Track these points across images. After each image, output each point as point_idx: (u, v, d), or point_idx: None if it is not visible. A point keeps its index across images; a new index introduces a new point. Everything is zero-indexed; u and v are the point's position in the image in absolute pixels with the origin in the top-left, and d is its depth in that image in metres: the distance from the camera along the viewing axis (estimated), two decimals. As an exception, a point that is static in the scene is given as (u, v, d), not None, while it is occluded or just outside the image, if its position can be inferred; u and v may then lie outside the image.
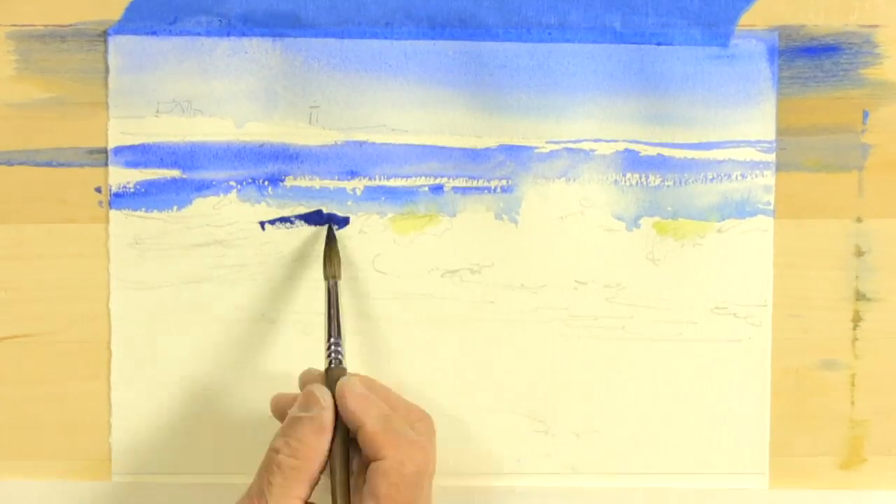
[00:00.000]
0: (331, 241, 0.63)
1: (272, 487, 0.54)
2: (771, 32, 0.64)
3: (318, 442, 0.54)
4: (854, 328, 0.65)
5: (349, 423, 0.55)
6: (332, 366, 0.59)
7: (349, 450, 0.56)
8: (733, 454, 0.65)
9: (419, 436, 0.56)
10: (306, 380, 0.60)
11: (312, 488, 0.54)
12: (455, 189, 0.64)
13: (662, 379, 0.65)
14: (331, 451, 0.55)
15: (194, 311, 0.65)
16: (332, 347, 0.59)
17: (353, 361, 0.65)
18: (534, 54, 0.64)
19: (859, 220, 0.65)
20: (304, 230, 0.65)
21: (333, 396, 0.56)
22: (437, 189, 0.64)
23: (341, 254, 0.63)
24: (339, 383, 0.57)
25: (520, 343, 0.65)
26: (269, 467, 0.54)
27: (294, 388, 0.61)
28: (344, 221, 0.65)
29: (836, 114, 0.64)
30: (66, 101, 0.64)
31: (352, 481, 0.55)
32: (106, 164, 0.64)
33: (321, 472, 0.55)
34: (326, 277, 0.62)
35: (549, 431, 0.65)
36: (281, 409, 0.59)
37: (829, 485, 0.65)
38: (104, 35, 0.64)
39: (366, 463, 0.55)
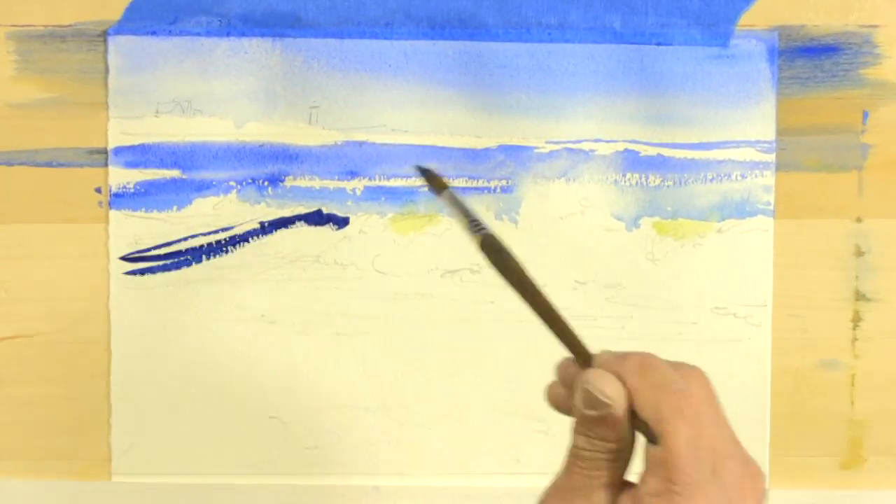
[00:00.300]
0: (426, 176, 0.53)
1: (585, 480, 0.48)
2: (771, 32, 0.64)
3: (620, 433, 0.48)
4: (854, 328, 0.65)
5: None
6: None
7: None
8: (733, 454, 0.65)
9: (686, 385, 0.49)
10: (563, 369, 0.52)
11: (628, 468, 0.49)
12: (455, 189, 0.64)
13: (662, 379, 0.65)
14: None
15: (194, 311, 0.65)
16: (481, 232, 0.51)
17: (353, 361, 0.65)
18: (533, 54, 0.64)
19: (859, 220, 0.65)
20: (304, 230, 0.65)
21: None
22: (437, 189, 0.64)
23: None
24: (595, 357, 0.50)
25: (519, 343, 0.65)
26: (581, 464, 0.49)
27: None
28: (344, 221, 0.65)
29: (836, 114, 0.64)
30: (66, 101, 0.64)
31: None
32: (106, 165, 0.64)
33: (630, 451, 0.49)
34: (439, 192, 0.53)
35: (549, 431, 0.65)
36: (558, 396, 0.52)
37: (829, 484, 0.65)
38: (104, 35, 0.64)
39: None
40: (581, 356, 0.50)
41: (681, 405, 0.47)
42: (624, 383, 0.48)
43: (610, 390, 0.48)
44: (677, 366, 0.50)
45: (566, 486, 0.50)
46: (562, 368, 0.51)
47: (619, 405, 0.48)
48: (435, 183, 0.52)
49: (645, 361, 0.49)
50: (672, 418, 0.47)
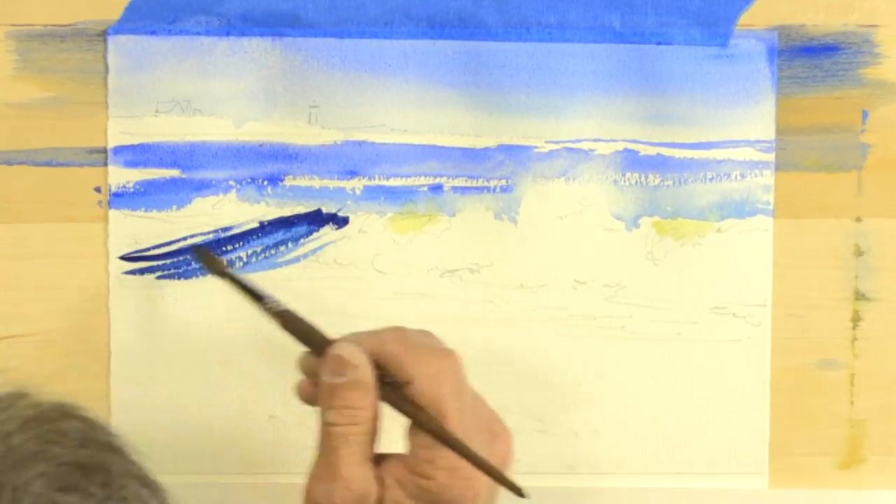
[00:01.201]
0: (202, 258, 0.61)
1: (342, 458, 0.51)
2: (770, 32, 0.64)
3: (367, 401, 0.52)
4: (853, 328, 0.65)
5: (372, 356, 0.52)
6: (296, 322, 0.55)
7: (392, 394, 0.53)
8: (733, 454, 0.65)
9: (442, 344, 0.54)
10: (305, 364, 0.55)
11: (376, 438, 0.53)
12: (454, 189, 0.64)
13: (662, 379, 0.65)
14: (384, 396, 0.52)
15: (194, 311, 0.65)
16: (270, 306, 0.55)
17: (352, 361, 0.65)
18: (533, 54, 0.64)
19: (859, 219, 0.65)
20: (304, 230, 0.65)
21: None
22: (437, 189, 0.64)
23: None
24: (343, 339, 0.53)
25: (519, 343, 0.65)
26: (331, 441, 0.51)
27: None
28: (343, 221, 0.65)
29: (836, 113, 0.64)
30: (65, 100, 0.64)
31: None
32: (105, 164, 0.64)
33: (379, 427, 0.53)
34: (221, 273, 0.57)
35: (548, 431, 0.65)
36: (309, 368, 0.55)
37: (828, 484, 0.65)
38: (104, 35, 0.64)
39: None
40: (321, 344, 0.53)
41: (443, 365, 0.51)
42: (383, 352, 0.51)
43: (355, 355, 0.51)
44: (420, 330, 0.54)
45: (325, 466, 0.52)
46: (304, 362, 0.54)
47: (364, 368, 0.51)
48: (211, 264, 0.59)
49: (399, 330, 0.53)
50: (437, 377, 0.51)
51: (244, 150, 0.64)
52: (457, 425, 0.51)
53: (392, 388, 0.52)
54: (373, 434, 0.52)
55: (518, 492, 0.52)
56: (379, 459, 0.53)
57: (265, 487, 0.65)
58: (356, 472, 0.51)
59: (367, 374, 0.52)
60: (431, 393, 0.51)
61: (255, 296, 0.55)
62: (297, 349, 0.65)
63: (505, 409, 0.64)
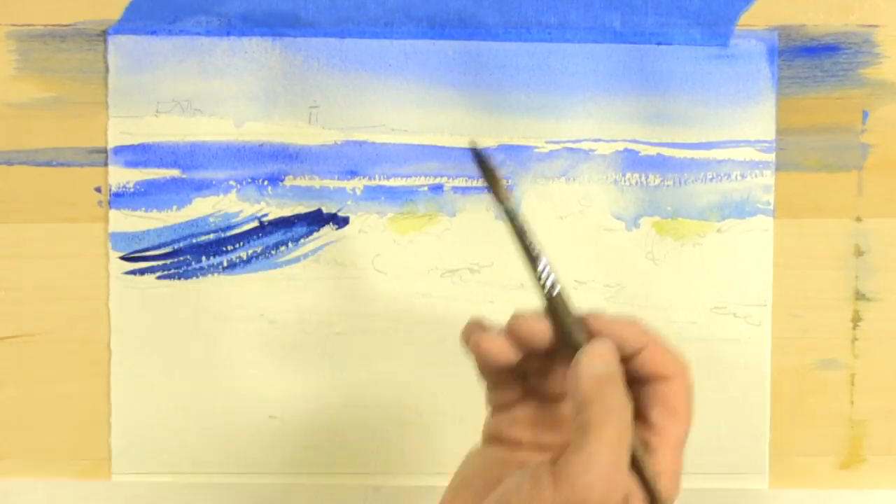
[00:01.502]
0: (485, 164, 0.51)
1: (607, 452, 0.45)
2: (770, 32, 0.64)
3: (625, 397, 0.46)
4: (854, 328, 0.65)
5: (628, 349, 0.48)
6: (555, 293, 0.49)
7: None
8: (733, 454, 0.65)
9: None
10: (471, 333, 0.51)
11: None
12: (455, 189, 0.64)
13: (662, 378, 0.65)
14: None
15: (194, 311, 0.65)
16: (544, 273, 0.50)
17: (353, 360, 0.65)
18: (533, 54, 0.64)
19: (859, 219, 0.65)
20: (304, 230, 0.65)
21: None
22: (437, 189, 0.64)
23: None
24: (594, 318, 0.48)
25: (519, 343, 0.65)
26: (594, 433, 0.45)
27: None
28: (343, 221, 0.65)
29: (836, 113, 0.64)
30: (65, 100, 0.64)
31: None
32: (106, 164, 0.64)
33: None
34: (501, 202, 0.51)
35: (548, 431, 0.65)
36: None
37: (828, 484, 0.65)
38: (104, 35, 0.64)
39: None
40: (574, 329, 0.48)
41: (684, 365, 0.49)
42: (644, 343, 0.48)
43: (613, 352, 0.47)
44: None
45: (588, 460, 0.45)
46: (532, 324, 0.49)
47: (618, 365, 0.47)
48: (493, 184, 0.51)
49: (638, 321, 0.48)
50: (687, 372, 0.48)
51: (244, 150, 0.64)
52: (685, 435, 0.49)
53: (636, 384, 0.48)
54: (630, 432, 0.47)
55: None
56: None
57: (265, 487, 0.65)
58: (621, 470, 0.46)
59: (619, 371, 0.47)
60: (682, 394, 0.49)
61: (530, 256, 0.50)
62: (299, 345, 0.66)
63: (505, 408, 0.65)
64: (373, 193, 0.64)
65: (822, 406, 0.65)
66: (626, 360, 0.48)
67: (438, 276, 0.65)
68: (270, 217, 0.65)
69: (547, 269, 0.49)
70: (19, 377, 0.65)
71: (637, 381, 0.48)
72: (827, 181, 0.64)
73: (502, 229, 0.64)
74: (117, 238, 0.65)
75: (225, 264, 0.65)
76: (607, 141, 0.64)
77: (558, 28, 0.64)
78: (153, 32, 0.64)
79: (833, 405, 0.65)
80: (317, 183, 0.64)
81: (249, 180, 0.64)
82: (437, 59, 0.64)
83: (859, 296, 0.65)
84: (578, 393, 0.46)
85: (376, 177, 0.64)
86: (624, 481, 0.45)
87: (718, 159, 0.64)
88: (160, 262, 0.65)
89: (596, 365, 0.47)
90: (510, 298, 0.65)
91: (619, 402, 0.46)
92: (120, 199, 0.64)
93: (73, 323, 0.65)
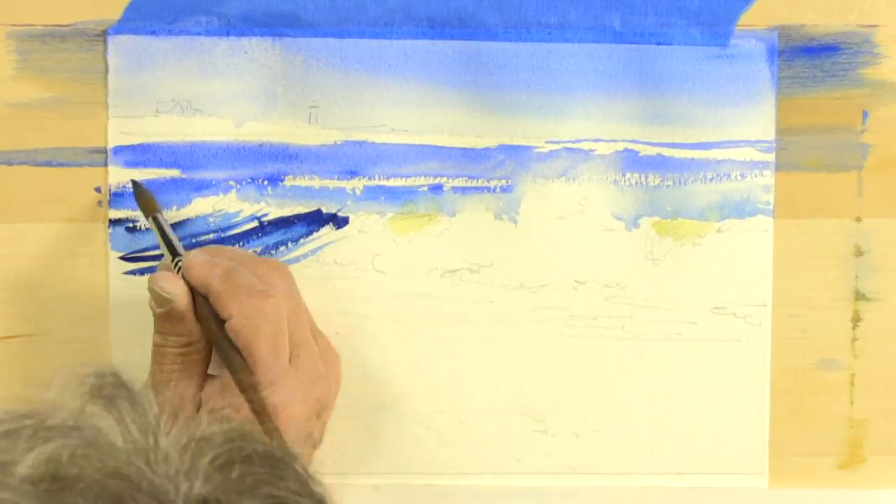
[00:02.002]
0: (137, 187, 0.63)
1: (170, 374, 0.57)
2: (770, 32, 0.64)
3: (185, 328, 0.57)
4: (853, 328, 0.65)
5: (201, 290, 0.57)
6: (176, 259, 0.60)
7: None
8: (733, 454, 0.65)
9: (268, 287, 0.58)
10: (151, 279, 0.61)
11: (208, 362, 0.58)
12: (454, 189, 0.64)
13: (662, 379, 0.65)
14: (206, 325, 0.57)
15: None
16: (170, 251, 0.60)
17: (353, 361, 0.65)
18: (533, 54, 0.64)
19: (859, 219, 0.64)
20: (303, 230, 0.65)
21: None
22: (437, 189, 0.64)
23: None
24: (183, 259, 0.59)
25: (519, 343, 0.65)
26: (159, 359, 0.57)
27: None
28: (343, 221, 0.65)
29: (836, 113, 0.64)
30: (65, 100, 0.64)
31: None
32: (105, 164, 0.64)
33: (205, 347, 0.58)
34: (147, 215, 0.62)
35: (548, 431, 0.65)
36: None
37: (828, 484, 0.65)
38: (104, 35, 0.64)
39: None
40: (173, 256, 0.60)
41: (262, 305, 0.55)
42: (210, 288, 0.56)
43: (170, 287, 0.57)
44: (261, 262, 0.59)
45: (150, 383, 0.57)
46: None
47: (181, 300, 0.57)
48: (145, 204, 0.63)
49: (229, 268, 0.57)
50: (251, 317, 0.55)
51: (244, 150, 0.64)
52: (267, 368, 0.55)
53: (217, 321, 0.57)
54: (195, 356, 0.57)
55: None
56: (208, 379, 0.58)
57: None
58: (178, 388, 0.56)
59: (183, 305, 0.57)
60: (245, 334, 0.55)
61: (169, 247, 0.60)
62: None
63: (504, 408, 0.65)
64: (372, 193, 0.64)
65: (821, 406, 0.65)
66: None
67: (438, 277, 0.65)
68: (270, 217, 0.65)
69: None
70: (19, 377, 0.65)
71: None
72: (827, 181, 0.64)
73: (502, 229, 0.65)
74: (117, 238, 0.65)
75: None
76: (607, 141, 0.64)
77: (558, 28, 0.64)
78: (153, 32, 0.64)
79: (833, 405, 0.65)
80: (317, 183, 0.64)
81: (249, 180, 0.64)
82: (437, 59, 0.64)
83: (859, 296, 0.65)
84: None
85: (376, 177, 0.64)
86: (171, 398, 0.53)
87: (718, 159, 0.64)
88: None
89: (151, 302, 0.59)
90: (510, 298, 0.65)
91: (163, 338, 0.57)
92: (120, 199, 0.64)
93: (73, 323, 0.65)
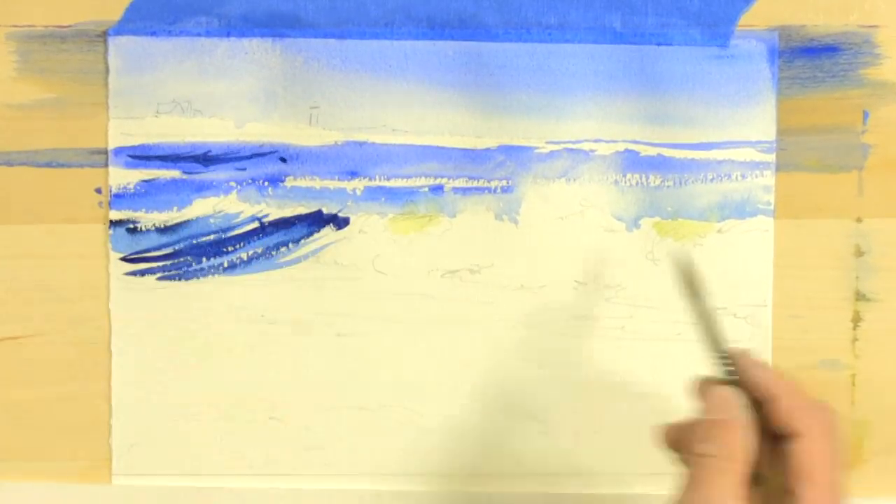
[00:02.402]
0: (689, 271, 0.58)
1: (717, 492, 0.49)
2: (771, 33, 0.64)
3: (746, 442, 0.50)
4: (854, 328, 0.65)
5: (759, 397, 0.51)
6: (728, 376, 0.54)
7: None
8: (733, 454, 0.65)
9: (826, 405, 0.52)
10: (708, 385, 0.54)
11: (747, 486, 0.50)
12: (455, 189, 0.65)
13: (662, 379, 0.65)
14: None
15: (194, 311, 0.65)
16: (721, 359, 0.55)
17: (353, 361, 0.65)
18: (534, 55, 0.64)
19: (859, 220, 0.65)
20: (304, 230, 0.65)
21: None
22: (437, 189, 0.64)
23: None
24: (739, 356, 0.54)
25: (520, 343, 0.65)
26: (707, 471, 0.49)
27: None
28: (344, 222, 0.65)
29: (836, 114, 0.64)
30: (66, 101, 0.64)
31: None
32: (106, 165, 0.64)
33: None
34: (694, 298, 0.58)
35: (548, 432, 0.65)
36: (674, 438, 0.53)
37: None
38: (104, 35, 0.64)
39: (775, 438, 0.51)
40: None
41: (830, 420, 0.51)
42: (776, 396, 0.50)
43: (734, 400, 0.51)
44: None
45: (699, 500, 0.49)
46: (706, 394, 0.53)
47: (741, 413, 0.50)
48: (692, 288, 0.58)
49: (793, 380, 0.52)
50: (825, 434, 0.50)
51: (245, 150, 0.64)
52: (831, 478, 0.49)
53: (768, 439, 0.51)
54: (746, 476, 0.49)
55: None
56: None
57: (267, 492, 0.65)
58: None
59: (745, 416, 0.51)
60: (814, 455, 0.49)
61: (713, 339, 0.56)
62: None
63: (505, 409, 0.65)
64: (373, 194, 0.65)
65: (822, 406, 0.65)
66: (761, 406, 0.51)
67: (439, 277, 0.65)
68: (271, 218, 0.65)
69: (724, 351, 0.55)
70: (20, 378, 0.65)
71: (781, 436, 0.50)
72: (827, 182, 0.64)
73: (503, 230, 0.65)
74: (118, 239, 0.65)
75: (225, 265, 0.65)
76: (608, 141, 0.64)
77: (558, 28, 0.64)
78: (153, 33, 0.64)
79: (833, 405, 0.65)
80: (317, 184, 0.64)
81: (250, 181, 0.64)
82: (438, 59, 0.64)
83: (860, 296, 0.65)
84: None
85: (377, 177, 0.64)
86: None
87: (719, 160, 0.64)
88: (160, 264, 0.65)
89: (708, 411, 0.52)
90: (511, 299, 0.65)
91: (724, 450, 0.49)
92: (120, 199, 0.64)
93: (74, 324, 0.65)
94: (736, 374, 0.53)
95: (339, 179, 0.64)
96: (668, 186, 0.64)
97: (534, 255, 0.65)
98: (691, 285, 0.57)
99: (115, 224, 0.65)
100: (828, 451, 0.49)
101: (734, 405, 0.51)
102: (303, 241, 0.65)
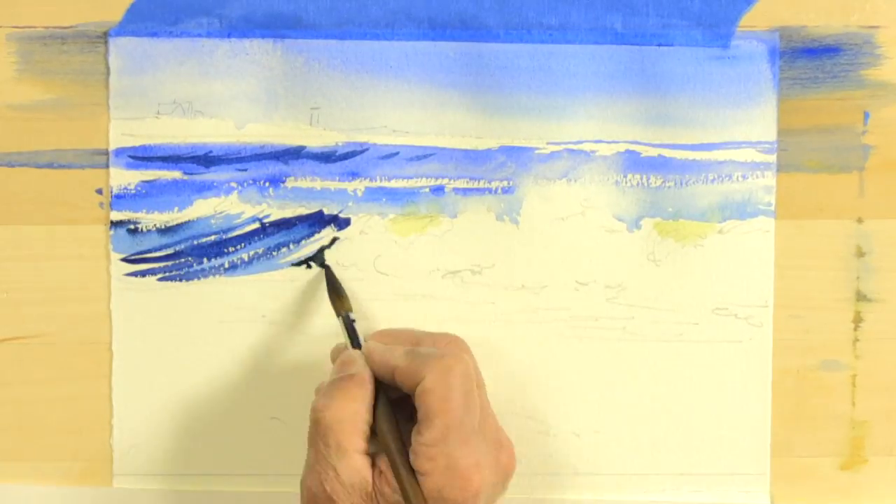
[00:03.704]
0: (331, 282, 0.64)
1: (330, 447, 0.54)
2: (772, 33, 0.64)
3: (360, 394, 0.55)
4: (855, 329, 0.65)
5: (384, 375, 0.56)
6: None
7: (396, 420, 0.57)
8: (734, 455, 0.65)
9: (452, 352, 0.57)
10: (336, 354, 0.61)
11: (367, 442, 0.55)
12: (456, 190, 0.64)
13: (663, 379, 0.65)
14: (376, 419, 0.56)
15: (195, 312, 0.65)
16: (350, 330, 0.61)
17: (354, 362, 0.65)
18: (535, 55, 0.64)
19: (860, 220, 0.65)
20: (305, 231, 0.65)
21: None
22: (438, 190, 0.64)
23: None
24: (363, 347, 0.59)
25: (521, 344, 0.65)
26: (319, 428, 0.55)
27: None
28: (345, 222, 0.65)
29: (837, 115, 0.64)
30: (66, 102, 0.64)
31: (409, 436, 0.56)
32: (107, 166, 0.64)
33: (368, 430, 0.56)
34: (338, 313, 0.62)
35: (549, 432, 0.65)
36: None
37: (829, 485, 0.66)
38: (105, 37, 0.64)
39: (412, 401, 0.55)
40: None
41: (452, 364, 0.55)
42: (395, 367, 0.56)
43: (357, 358, 0.58)
44: (438, 336, 0.59)
45: (317, 455, 0.55)
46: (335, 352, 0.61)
47: (364, 368, 0.57)
48: (339, 301, 0.63)
49: (409, 348, 0.57)
50: (444, 374, 0.54)
51: (246, 151, 0.64)
52: (460, 425, 0.54)
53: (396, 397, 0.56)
54: (363, 431, 0.55)
55: None
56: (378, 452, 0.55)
57: (268, 495, 0.65)
58: (350, 462, 0.53)
59: (367, 375, 0.56)
60: (439, 392, 0.54)
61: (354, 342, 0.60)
62: (299, 349, 0.66)
63: (506, 409, 0.65)
64: (374, 195, 0.64)
65: (823, 407, 0.65)
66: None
67: (440, 278, 0.65)
68: (272, 218, 0.65)
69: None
70: (20, 379, 0.65)
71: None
72: (828, 182, 0.64)
73: (504, 230, 0.65)
74: (118, 240, 0.65)
75: (226, 266, 0.65)
76: (608, 142, 0.64)
77: (559, 29, 0.64)
78: (154, 34, 0.64)
79: (834, 406, 0.65)
80: (318, 184, 0.64)
81: (251, 182, 0.64)
82: (439, 60, 0.64)
83: (861, 297, 0.65)
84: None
85: (377, 178, 0.64)
86: (351, 471, 0.54)
87: (720, 160, 0.64)
88: (161, 264, 0.65)
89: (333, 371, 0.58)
90: (512, 299, 0.65)
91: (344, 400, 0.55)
92: (121, 200, 0.64)
93: (75, 325, 0.65)
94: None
95: (339, 180, 0.64)
96: (669, 187, 0.64)
97: (535, 255, 0.65)
98: (332, 284, 0.63)
99: (115, 225, 0.64)
100: (446, 390, 0.54)
101: (353, 365, 0.57)
102: (304, 241, 0.65)
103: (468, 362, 0.56)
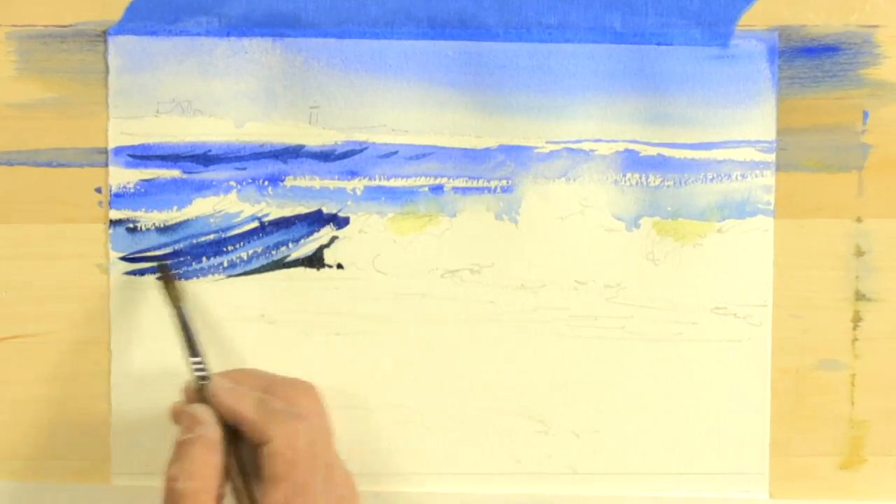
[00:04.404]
0: (163, 274, 0.64)
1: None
2: (771, 32, 0.64)
3: (211, 459, 0.55)
4: (854, 328, 0.65)
5: (230, 419, 0.56)
6: (200, 382, 0.58)
7: (244, 458, 0.57)
8: (733, 454, 0.65)
9: (301, 410, 0.57)
10: (179, 406, 0.59)
11: (222, 501, 0.56)
12: (455, 189, 0.65)
13: (662, 379, 0.65)
14: (226, 463, 0.56)
15: (194, 311, 0.65)
16: (195, 366, 0.59)
17: (353, 362, 0.65)
18: (534, 54, 0.64)
19: (859, 220, 0.65)
20: (304, 230, 0.65)
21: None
22: (438, 189, 0.64)
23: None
24: (208, 387, 0.57)
25: (520, 343, 0.65)
26: (171, 497, 0.54)
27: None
28: (344, 221, 0.65)
29: (837, 114, 0.64)
30: (66, 101, 0.64)
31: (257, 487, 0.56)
32: (106, 165, 0.64)
33: (223, 487, 0.56)
34: (173, 304, 0.62)
35: (549, 432, 0.65)
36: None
37: (829, 485, 0.65)
38: (104, 35, 0.64)
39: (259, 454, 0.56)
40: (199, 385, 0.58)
41: (298, 428, 0.55)
42: (243, 416, 0.55)
43: (205, 415, 0.56)
44: (289, 384, 0.59)
45: None
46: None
47: (212, 427, 0.55)
48: (172, 290, 0.63)
49: (261, 396, 0.57)
50: (291, 438, 0.55)
51: (245, 150, 0.64)
52: (306, 489, 0.55)
53: (245, 448, 0.56)
54: (215, 495, 0.55)
55: None
56: None
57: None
58: None
59: (214, 434, 0.56)
60: (287, 456, 0.55)
61: (190, 344, 0.60)
62: (290, 350, 0.66)
63: (505, 409, 0.65)
64: (373, 194, 0.65)
65: (822, 406, 0.65)
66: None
67: (439, 277, 0.65)
68: (271, 217, 0.65)
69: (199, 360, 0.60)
70: (19, 378, 0.65)
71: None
72: (827, 181, 0.64)
73: (503, 230, 0.65)
74: (118, 238, 0.65)
75: (225, 265, 0.65)
76: (608, 141, 0.64)
77: (558, 28, 0.64)
78: (153, 33, 0.64)
79: (833, 406, 0.65)
80: (317, 183, 0.64)
81: (250, 181, 0.64)
82: (438, 59, 0.64)
83: (860, 296, 0.65)
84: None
85: (376, 177, 0.64)
86: None
87: (719, 159, 0.64)
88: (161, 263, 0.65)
89: (179, 432, 0.56)
90: (511, 299, 0.65)
91: (190, 468, 0.54)
92: (120, 199, 0.64)
93: (74, 323, 0.65)
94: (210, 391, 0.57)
95: (338, 179, 0.64)
96: (668, 186, 0.64)
97: (534, 254, 0.65)
98: (171, 292, 0.62)
99: (115, 223, 0.65)
100: (292, 454, 0.55)
101: (199, 424, 0.56)
102: (303, 240, 0.65)
103: (315, 423, 0.57)
